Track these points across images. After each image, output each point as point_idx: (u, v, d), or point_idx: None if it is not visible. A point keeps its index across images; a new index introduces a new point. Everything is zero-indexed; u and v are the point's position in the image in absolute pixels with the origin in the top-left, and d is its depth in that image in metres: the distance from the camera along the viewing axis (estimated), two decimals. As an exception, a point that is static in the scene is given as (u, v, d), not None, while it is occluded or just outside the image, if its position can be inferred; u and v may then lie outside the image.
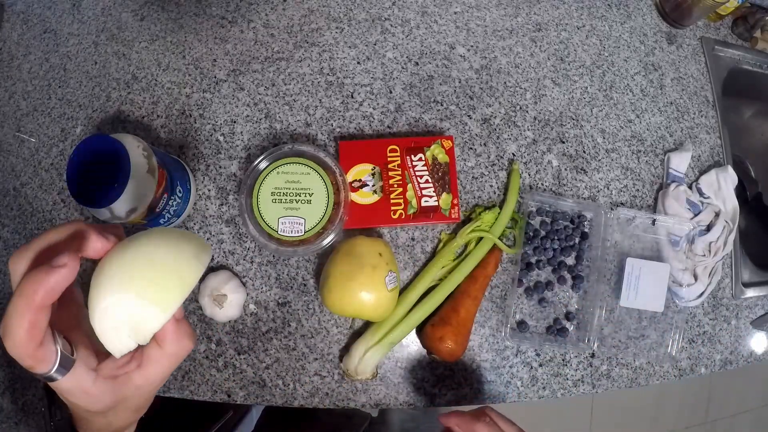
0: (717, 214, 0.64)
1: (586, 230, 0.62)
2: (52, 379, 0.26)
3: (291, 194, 0.51)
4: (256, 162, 0.52)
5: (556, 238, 0.61)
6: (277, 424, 0.78)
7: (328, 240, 0.51)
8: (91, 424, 0.31)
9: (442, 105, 0.64)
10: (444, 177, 0.58)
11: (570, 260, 0.62)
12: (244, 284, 0.57)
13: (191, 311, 0.57)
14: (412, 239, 0.60)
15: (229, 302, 0.54)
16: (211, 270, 0.57)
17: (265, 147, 0.61)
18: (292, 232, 0.51)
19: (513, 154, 0.64)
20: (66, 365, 0.27)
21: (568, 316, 0.60)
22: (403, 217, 0.56)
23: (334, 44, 0.65)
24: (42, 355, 0.25)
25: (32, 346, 0.24)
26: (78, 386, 0.27)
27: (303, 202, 0.51)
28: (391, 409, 0.92)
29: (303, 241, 0.51)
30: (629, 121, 0.67)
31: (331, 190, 0.52)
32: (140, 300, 0.26)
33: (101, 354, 0.29)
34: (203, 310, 0.55)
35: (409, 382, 0.57)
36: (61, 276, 0.24)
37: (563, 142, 0.65)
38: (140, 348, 0.29)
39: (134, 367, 0.29)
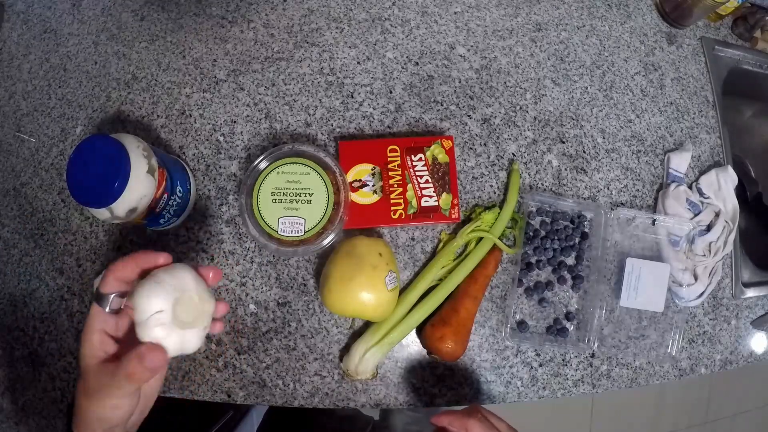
0: (717, 214, 0.64)
1: (586, 230, 0.62)
2: (101, 299, 0.36)
3: (291, 194, 0.51)
4: (256, 162, 0.52)
5: (556, 238, 0.61)
6: (278, 429, 0.78)
7: (328, 240, 0.51)
8: (85, 413, 0.35)
9: (442, 105, 0.64)
10: (444, 177, 0.58)
11: (570, 260, 0.62)
12: (216, 292, 0.50)
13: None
14: (412, 239, 0.60)
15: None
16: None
17: (265, 147, 0.61)
18: (292, 232, 0.51)
19: (513, 154, 0.64)
20: (114, 305, 0.36)
21: (568, 316, 0.60)
22: (403, 217, 0.56)
23: (334, 44, 0.65)
24: (111, 285, 0.36)
25: (112, 279, 0.36)
26: (104, 320, 0.36)
27: (303, 202, 0.51)
28: (394, 411, 0.92)
29: (303, 241, 0.51)
30: (629, 121, 0.67)
31: (331, 190, 0.52)
32: None
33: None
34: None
35: (409, 382, 0.57)
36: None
37: (563, 142, 0.65)
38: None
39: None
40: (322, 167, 0.52)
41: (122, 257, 0.37)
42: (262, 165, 0.52)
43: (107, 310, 0.36)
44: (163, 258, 0.37)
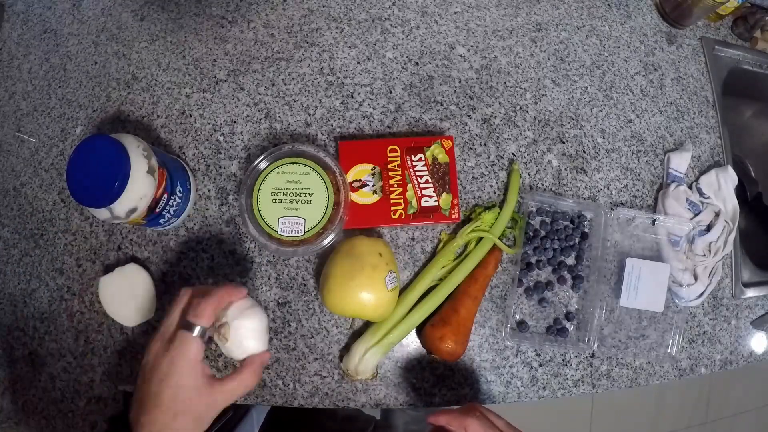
0: (717, 214, 0.64)
1: (586, 230, 0.62)
2: (192, 327, 0.40)
3: (291, 194, 0.51)
4: (256, 162, 0.52)
5: (556, 238, 0.61)
6: (279, 429, 0.78)
7: (328, 240, 0.51)
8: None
9: (442, 105, 0.64)
10: (444, 177, 0.58)
11: (570, 260, 0.62)
12: (259, 302, 0.50)
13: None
14: (412, 239, 0.60)
15: (235, 331, 0.43)
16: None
17: (265, 147, 0.61)
18: (292, 232, 0.51)
19: (513, 154, 0.64)
20: (203, 335, 0.40)
21: (568, 316, 0.60)
22: (403, 217, 0.56)
23: (334, 44, 0.65)
24: (209, 318, 0.41)
25: (211, 312, 0.41)
26: (196, 347, 0.40)
27: (303, 202, 0.51)
28: (395, 411, 0.92)
29: (303, 241, 0.51)
30: (629, 121, 0.67)
31: (331, 190, 0.52)
32: None
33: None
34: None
35: (409, 382, 0.57)
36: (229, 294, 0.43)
37: (563, 142, 0.65)
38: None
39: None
40: (322, 167, 0.52)
41: (213, 292, 0.41)
42: (262, 165, 0.52)
43: (205, 339, 0.41)
44: (245, 292, 0.44)
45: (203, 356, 0.40)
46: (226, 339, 0.43)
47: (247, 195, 0.52)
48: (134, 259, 0.58)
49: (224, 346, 0.44)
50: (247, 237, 0.59)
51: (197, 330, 0.40)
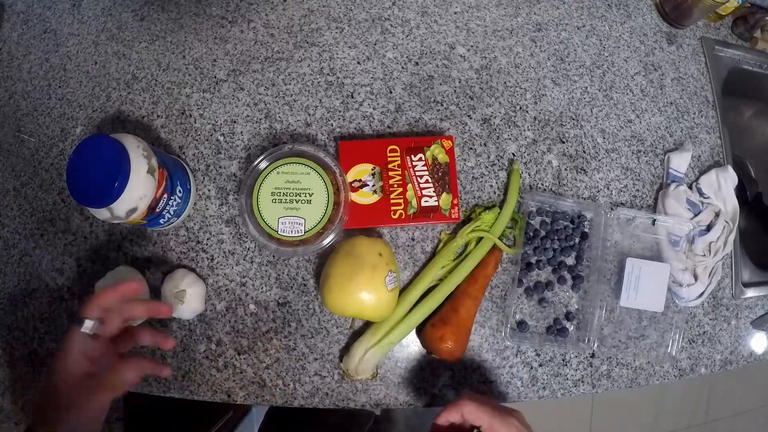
0: (717, 214, 0.64)
1: (586, 230, 0.62)
2: (82, 323, 0.41)
3: (291, 194, 0.51)
4: (256, 162, 0.52)
5: (556, 238, 0.61)
6: (282, 424, 0.78)
7: (328, 240, 0.51)
8: (59, 425, 0.39)
9: (442, 105, 0.64)
10: (444, 177, 0.58)
11: (570, 260, 0.62)
12: (202, 278, 0.57)
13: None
14: (412, 239, 0.60)
15: (189, 296, 0.54)
16: (167, 272, 0.57)
17: (265, 147, 0.61)
18: (292, 232, 0.51)
19: (513, 154, 0.64)
20: (93, 329, 0.42)
21: (568, 316, 0.60)
22: (403, 217, 0.56)
23: (334, 44, 0.65)
24: (97, 313, 0.42)
25: (100, 306, 0.42)
26: (83, 342, 0.41)
27: (303, 202, 0.51)
28: (394, 406, 0.92)
29: (303, 241, 0.51)
30: (629, 121, 0.67)
31: (331, 190, 0.52)
32: None
33: None
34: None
35: (409, 382, 0.57)
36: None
37: (563, 142, 0.65)
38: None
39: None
40: (322, 167, 0.52)
41: (107, 288, 0.43)
42: (262, 165, 0.52)
43: (89, 332, 0.41)
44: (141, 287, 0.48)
45: (83, 347, 0.41)
46: (182, 302, 0.54)
47: (247, 195, 0.52)
48: (133, 261, 0.58)
49: (181, 308, 0.54)
50: (247, 237, 0.59)
51: (85, 323, 0.41)
